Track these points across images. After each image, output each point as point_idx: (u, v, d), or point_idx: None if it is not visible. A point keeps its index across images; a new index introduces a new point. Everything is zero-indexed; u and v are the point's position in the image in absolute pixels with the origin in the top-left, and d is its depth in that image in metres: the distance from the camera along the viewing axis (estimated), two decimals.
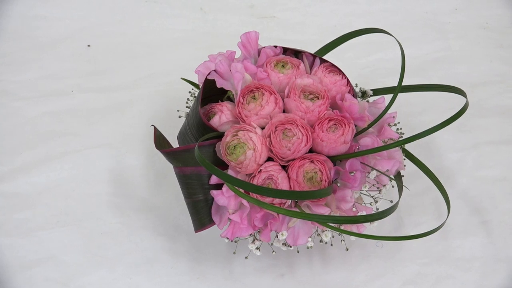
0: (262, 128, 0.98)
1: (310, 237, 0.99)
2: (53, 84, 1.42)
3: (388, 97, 1.04)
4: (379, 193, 1.04)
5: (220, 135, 0.99)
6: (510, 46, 1.53)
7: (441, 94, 1.13)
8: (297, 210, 0.97)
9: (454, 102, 1.15)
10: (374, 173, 1.00)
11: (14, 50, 1.49)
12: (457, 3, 1.62)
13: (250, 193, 0.94)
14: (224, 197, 0.97)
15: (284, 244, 1.00)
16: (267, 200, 0.95)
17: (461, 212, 1.20)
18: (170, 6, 1.61)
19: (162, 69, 1.47)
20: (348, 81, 1.05)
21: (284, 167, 0.98)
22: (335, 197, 0.97)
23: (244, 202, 0.96)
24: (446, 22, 1.59)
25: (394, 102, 1.00)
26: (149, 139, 1.16)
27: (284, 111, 1.00)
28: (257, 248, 1.00)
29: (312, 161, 0.96)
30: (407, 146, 1.14)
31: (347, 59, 1.41)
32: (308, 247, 1.00)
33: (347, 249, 1.08)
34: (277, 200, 0.96)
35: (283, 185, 0.96)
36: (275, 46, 1.08)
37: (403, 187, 1.08)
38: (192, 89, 1.18)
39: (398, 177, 1.08)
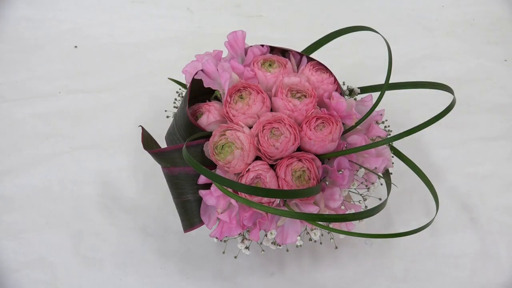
0: (250, 127, 0.98)
1: (299, 235, 0.99)
2: (40, 86, 1.42)
3: (375, 95, 1.04)
4: (368, 191, 1.04)
5: (208, 135, 0.99)
6: (497, 43, 1.53)
7: (429, 91, 1.13)
8: (286, 209, 0.97)
9: (441, 99, 1.15)
10: (362, 171, 1.00)
11: (1, 52, 1.49)
12: (443, 0, 1.63)
13: (239, 192, 0.94)
14: (212, 197, 0.97)
15: (273, 243, 1.00)
16: (256, 199, 0.95)
17: (450, 209, 1.20)
18: (156, 6, 1.61)
19: (149, 70, 1.47)
20: (335, 79, 1.05)
21: (272, 166, 0.98)
22: (323, 195, 0.97)
23: (233, 201, 0.96)
24: (433, 19, 1.59)
25: (382, 100, 1.00)
26: (137, 139, 1.16)
27: (271, 110, 1.00)
28: (246, 248, 1.00)
29: (300, 160, 0.96)
30: (395, 144, 1.14)
31: (334, 57, 1.40)
32: (297, 246, 1.00)
33: (336, 247, 1.08)
34: (265, 199, 0.96)
35: (272, 184, 0.96)
36: (262, 45, 1.08)
37: (392, 184, 1.08)
38: (180, 89, 1.17)
39: (386, 174, 1.08)
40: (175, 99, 1.15)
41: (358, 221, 1.01)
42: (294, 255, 1.14)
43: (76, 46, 1.52)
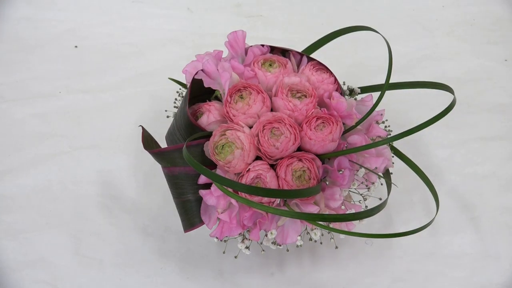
0: (250, 127, 0.98)
1: (300, 235, 0.99)
2: (40, 86, 1.42)
3: (375, 95, 1.04)
4: (368, 190, 1.04)
5: (208, 135, 0.99)
6: (497, 43, 1.53)
7: (429, 91, 1.13)
8: (286, 208, 0.97)
9: (441, 99, 1.15)
10: (362, 171, 1.00)
11: (1, 52, 1.49)
12: (443, 0, 1.63)
13: (239, 192, 0.94)
14: (213, 197, 0.97)
15: (274, 243, 1.00)
16: (256, 199, 0.95)
17: (450, 208, 1.20)
18: (157, 6, 1.61)
19: (149, 69, 1.46)
20: (335, 79, 1.05)
21: (273, 166, 0.97)
22: (324, 195, 0.97)
23: (233, 201, 0.96)
24: (433, 19, 1.59)
25: (382, 100, 1.00)
26: (137, 139, 1.16)
27: (272, 110, 1.00)
28: (246, 247, 1.00)
29: (300, 160, 0.96)
30: (396, 144, 1.14)
31: (334, 57, 1.40)
32: (297, 246, 1.00)
33: (336, 247, 1.08)
34: (265, 199, 0.95)
35: (272, 184, 0.95)
36: (262, 45, 1.08)
37: (392, 184, 1.08)
38: (180, 89, 1.17)
39: (386, 174, 1.08)
40: (175, 99, 1.15)
41: (358, 221, 1.02)
42: (294, 255, 1.14)
43: (76, 46, 1.51)
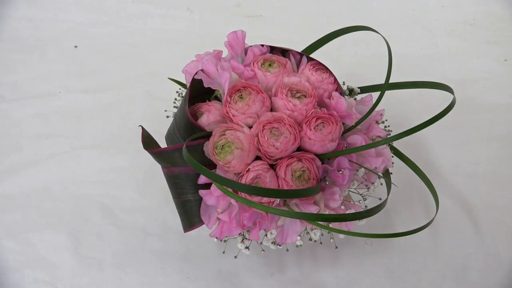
0: (250, 127, 0.98)
1: (299, 235, 0.99)
2: (40, 86, 1.42)
3: (375, 95, 1.04)
4: (368, 190, 1.04)
5: (208, 135, 0.99)
6: (497, 42, 1.53)
7: (429, 91, 1.13)
8: (286, 208, 0.97)
9: (441, 99, 1.15)
10: (362, 171, 1.00)
11: (1, 52, 1.49)
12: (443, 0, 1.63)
13: (239, 192, 0.94)
14: (212, 197, 0.97)
15: (273, 243, 1.00)
16: (256, 199, 0.95)
17: (450, 208, 1.20)
18: (157, 6, 1.61)
19: (149, 69, 1.47)
20: (335, 79, 1.05)
21: (272, 166, 0.97)
22: (323, 195, 0.97)
23: (233, 201, 0.96)
24: (433, 19, 1.60)
25: (382, 100, 1.00)
26: (137, 139, 1.16)
27: (271, 110, 1.00)
28: (246, 247, 1.00)
29: (300, 160, 0.96)
30: (395, 144, 1.14)
31: (334, 57, 1.41)
32: (297, 246, 1.00)
33: (336, 247, 1.08)
34: (265, 199, 0.95)
35: (272, 184, 0.95)
36: (262, 45, 1.08)
37: (392, 184, 1.08)
38: (180, 89, 1.17)
39: (386, 174, 1.08)
40: (175, 99, 1.15)
41: (358, 221, 1.02)
42: (294, 255, 1.14)
43: (76, 46, 1.52)
